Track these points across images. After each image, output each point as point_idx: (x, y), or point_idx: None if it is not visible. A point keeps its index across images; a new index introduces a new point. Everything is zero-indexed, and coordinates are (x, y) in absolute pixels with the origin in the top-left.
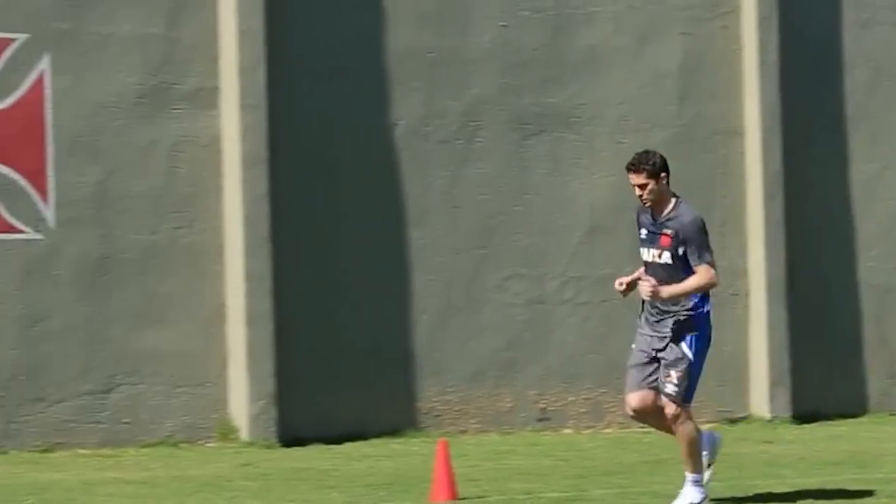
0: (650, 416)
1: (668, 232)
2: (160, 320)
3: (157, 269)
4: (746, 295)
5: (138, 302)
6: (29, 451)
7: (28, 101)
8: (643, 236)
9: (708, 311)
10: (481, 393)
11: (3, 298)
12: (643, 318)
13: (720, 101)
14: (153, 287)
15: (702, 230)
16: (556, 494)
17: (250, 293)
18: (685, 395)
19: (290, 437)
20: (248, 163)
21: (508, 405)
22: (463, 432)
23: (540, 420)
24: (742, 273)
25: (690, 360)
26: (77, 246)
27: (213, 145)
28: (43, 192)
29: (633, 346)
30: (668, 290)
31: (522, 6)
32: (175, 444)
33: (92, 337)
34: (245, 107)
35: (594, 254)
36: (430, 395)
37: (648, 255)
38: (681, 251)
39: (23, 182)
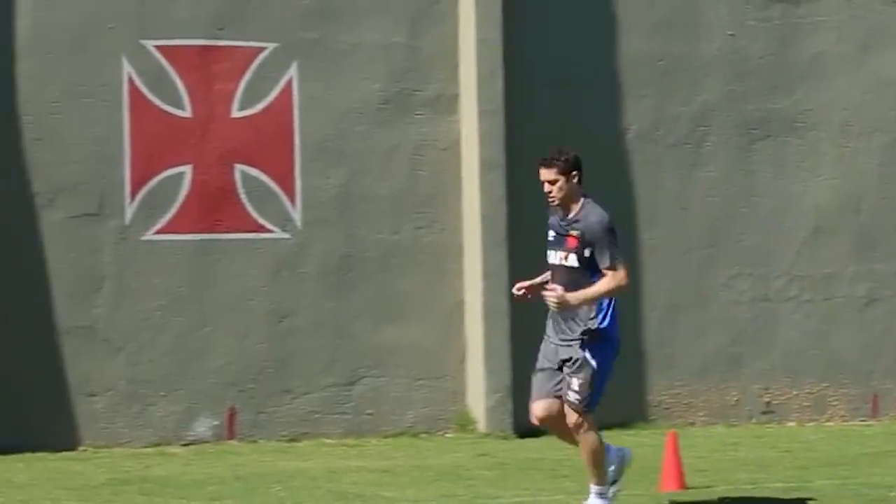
0: (556, 425)
1: (575, 233)
2: (401, 316)
3: (399, 268)
4: None
5: (381, 299)
6: (277, 441)
7: (277, 107)
8: (550, 238)
9: (615, 317)
10: (708, 387)
11: (253, 295)
12: (550, 325)
13: None
14: (395, 284)
15: (609, 230)
16: (779, 485)
17: (488, 290)
18: (588, 404)
19: (525, 429)
20: (486, 166)
21: (734, 399)
22: (691, 424)
23: (764, 413)
24: None
25: (594, 367)
26: (322, 245)
27: (453, 149)
28: (291, 193)
29: (540, 353)
30: (575, 297)
31: (750, 16)
32: (415, 435)
33: (337, 332)
34: (483, 113)
35: (817, 253)
36: (659, 389)
37: (555, 257)
38: (587, 253)
39: (272, 184)
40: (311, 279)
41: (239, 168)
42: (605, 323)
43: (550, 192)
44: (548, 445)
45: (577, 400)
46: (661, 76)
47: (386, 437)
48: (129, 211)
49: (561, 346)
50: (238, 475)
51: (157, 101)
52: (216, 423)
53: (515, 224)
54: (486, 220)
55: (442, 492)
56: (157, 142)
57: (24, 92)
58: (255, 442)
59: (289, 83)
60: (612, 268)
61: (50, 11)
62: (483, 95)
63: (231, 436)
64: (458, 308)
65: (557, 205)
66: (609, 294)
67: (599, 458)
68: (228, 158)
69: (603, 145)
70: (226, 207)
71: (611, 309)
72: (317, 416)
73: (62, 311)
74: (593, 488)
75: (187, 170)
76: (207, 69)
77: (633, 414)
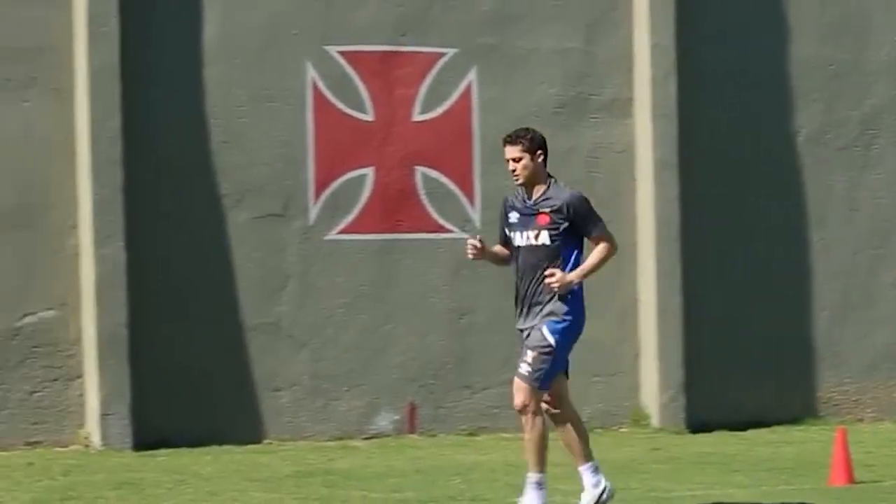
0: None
1: (546, 210)
2: None
3: None
4: None
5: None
6: (456, 435)
7: (456, 110)
8: (514, 220)
9: (579, 297)
10: (876, 384)
11: (433, 293)
12: (518, 315)
13: None
14: None
15: (587, 200)
16: None
17: (661, 289)
18: (538, 379)
19: (698, 424)
20: (659, 168)
21: None
22: (859, 421)
23: None
24: None
25: (551, 343)
26: None
27: (628, 152)
28: (470, 194)
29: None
30: (575, 274)
31: None
32: (591, 430)
33: (514, 329)
34: (657, 116)
35: None
36: (828, 386)
37: (522, 238)
38: (562, 229)
39: (451, 186)
40: (489, 278)
41: (420, 170)
42: (570, 310)
43: (515, 171)
44: (720, 440)
45: (528, 372)
46: (831, 80)
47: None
48: (314, 211)
49: (529, 329)
50: (418, 468)
51: (341, 105)
52: (397, 417)
53: (688, 224)
54: (660, 220)
55: (617, 485)
56: (341, 145)
57: (212, 96)
58: (434, 436)
59: (468, 87)
60: (602, 236)
61: (237, 18)
62: (657, 99)
63: (411, 430)
64: (632, 306)
65: (521, 183)
66: (605, 262)
67: (542, 443)
68: (409, 161)
69: (774, 148)
70: (407, 208)
71: (578, 295)
72: (495, 410)
73: (248, 308)
74: (531, 476)
75: (369, 172)
76: (389, 74)
77: (802, 410)
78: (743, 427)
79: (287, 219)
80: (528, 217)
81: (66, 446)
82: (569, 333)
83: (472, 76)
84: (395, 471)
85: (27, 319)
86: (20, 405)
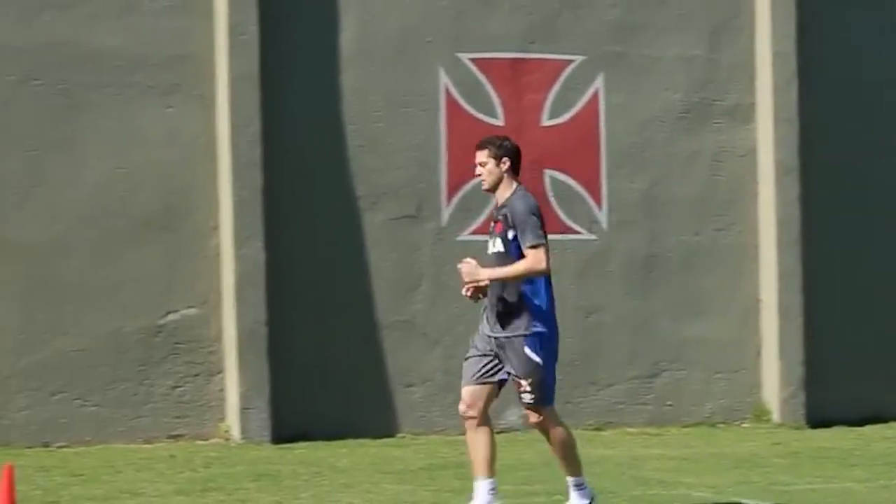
0: (477, 408)
1: (500, 218)
2: (701, 313)
3: (699, 267)
4: None
5: (681, 296)
6: (583, 429)
7: (584, 116)
8: (490, 229)
9: (545, 308)
10: None
11: (561, 292)
12: (484, 318)
13: None
14: (695, 283)
15: (532, 213)
16: None
17: (782, 289)
18: (542, 399)
19: (817, 420)
20: (780, 171)
21: None
22: None
23: None
24: None
25: (538, 362)
26: (626, 246)
27: (750, 156)
28: (597, 197)
29: (471, 341)
30: (488, 272)
31: None
32: (713, 425)
33: (639, 327)
34: (779, 121)
35: None
36: None
37: (489, 245)
38: (510, 236)
39: (579, 188)
40: (615, 278)
41: (548, 173)
42: (541, 321)
43: (480, 175)
44: (838, 436)
45: (532, 399)
46: None
47: (685, 426)
48: (446, 213)
49: (494, 336)
50: (546, 461)
51: (472, 110)
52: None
53: (809, 226)
54: (781, 222)
55: (738, 479)
56: (472, 148)
57: (348, 101)
58: None
59: (595, 94)
60: (530, 249)
61: (372, 26)
62: (778, 104)
63: None
64: (754, 305)
65: (486, 189)
66: (524, 274)
67: (571, 449)
68: (538, 164)
69: (893, 151)
70: None
71: (548, 306)
72: (620, 406)
73: (383, 307)
74: (570, 480)
75: None
76: (519, 80)
77: None
78: (860, 423)
79: (420, 220)
80: (492, 224)
81: (207, 439)
82: (549, 344)
83: (598, 83)
84: (524, 464)
85: (170, 317)
86: (163, 400)
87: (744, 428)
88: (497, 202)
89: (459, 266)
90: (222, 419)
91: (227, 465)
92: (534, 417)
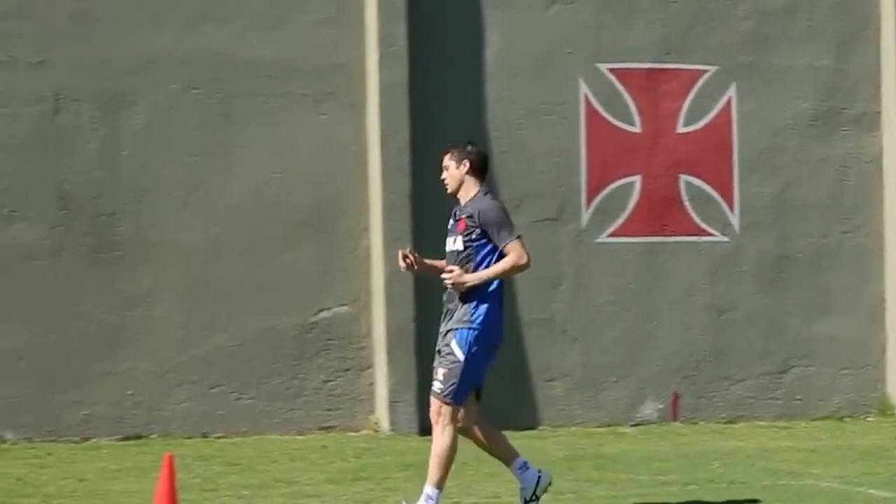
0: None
1: (464, 216)
2: (829, 312)
3: (827, 268)
4: None
5: (810, 296)
6: (715, 423)
7: (717, 123)
8: (448, 227)
9: (491, 308)
10: None
11: (695, 291)
12: (443, 315)
13: None
14: (823, 283)
15: (501, 210)
16: None
17: None
18: (452, 395)
19: None
20: None
21: None
22: None
23: None
24: None
25: (459, 359)
26: (758, 247)
27: (875, 162)
28: (730, 201)
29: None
30: (472, 276)
31: None
32: (840, 419)
33: (770, 325)
34: None
35: None
36: None
37: (449, 243)
38: (475, 235)
39: (712, 193)
40: (747, 278)
41: (683, 178)
42: (480, 319)
43: (444, 178)
44: None
45: (440, 389)
46: None
47: (813, 420)
48: (585, 216)
49: (443, 333)
50: (681, 453)
51: (610, 118)
52: (661, 406)
53: None
54: None
55: (863, 470)
56: (610, 154)
57: (492, 110)
58: (695, 423)
59: (728, 102)
60: (509, 246)
61: (515, 39)
62: None
63: (674, 418)
64: (879, 304)
65: (450, 192)
66: (507, 273)
67: (445, 460)
68: (674, 169)
69: None
70: (671, 213)
71: (491, 305)
72: (751, 400)
73: (526, 304)
74: (427, 488)
75: (637, 179)
76: (655, 89)
77: None
78: None
79: (561, 222)
80: (454, 223)
81: (357, 431)
82: (480, 343)
83: (731, 91)
84: (659, 455)
85: (323, 314)
86: (315, 393)
87: (869, 421)
88: (460, 203)
89: (443, 275)
90: (372, 412)
91: (377, 456)
92: (434, 406)
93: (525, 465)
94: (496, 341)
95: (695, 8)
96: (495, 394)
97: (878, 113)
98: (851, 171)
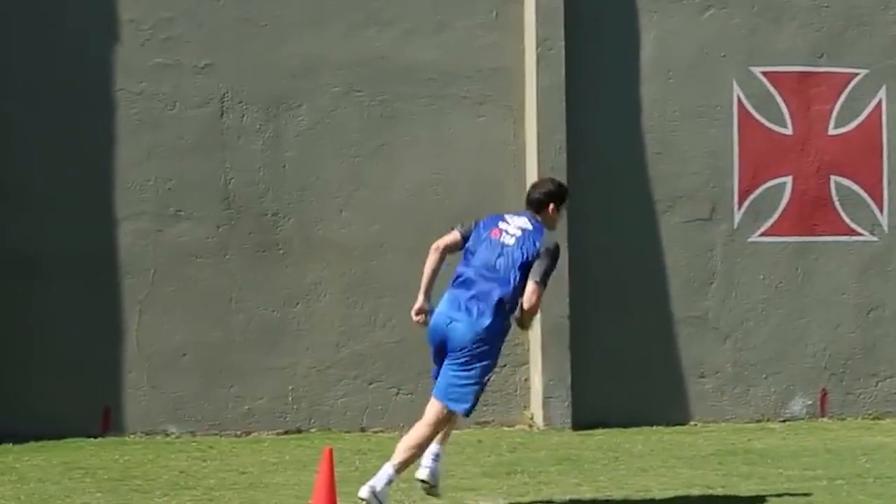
0: None
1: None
2: None
3: None
4: None
5: None
6: (862, 419)
7: (867, 125)
8: (508, 229)
9: (444, 296)
10: None
11: (844, 290)
12: None
13: None
14: None
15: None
16: None
17: None
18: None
19: None
20: None
21: None
22: None
23: None
24: None
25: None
26: None
27: None
28: (879, 201)
29: None
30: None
31: None
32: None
33: None
34: None
35: None
36: None
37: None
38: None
39: (862, 193)
40: (895, 277)
41: (834, 179)
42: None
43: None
44: None
45: None
46: None
47: None
48: (738, 216)
49: None
50: (828, 448)
51: (763, 120)
52: (810, 402)
53: None
54: None
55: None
56: (762, 156)
57: (647, 112)
58: (843, 419)
59: (878, 104)
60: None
61: (670, 42)
62: None
63: (822, 414)
64: None
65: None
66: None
67: (414, 450)
68: (825, 171)
69: None
70: (822, 213)
71: (444, 299)
72: None
73: (678, 302)
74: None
75: (788, 180)
76: (807, 92)
77: None
78: None
79: (714, 222)
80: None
81: (512, 426)
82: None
83: (881, 94)
84: (807, 451)
85: None
86: None
87: None
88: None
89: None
90: (526, 407)
91: (531, 450)
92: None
93: (438, 458)
94: (431, 333)
95: (846, 12)
96: (647, 389)
97: None
98: None
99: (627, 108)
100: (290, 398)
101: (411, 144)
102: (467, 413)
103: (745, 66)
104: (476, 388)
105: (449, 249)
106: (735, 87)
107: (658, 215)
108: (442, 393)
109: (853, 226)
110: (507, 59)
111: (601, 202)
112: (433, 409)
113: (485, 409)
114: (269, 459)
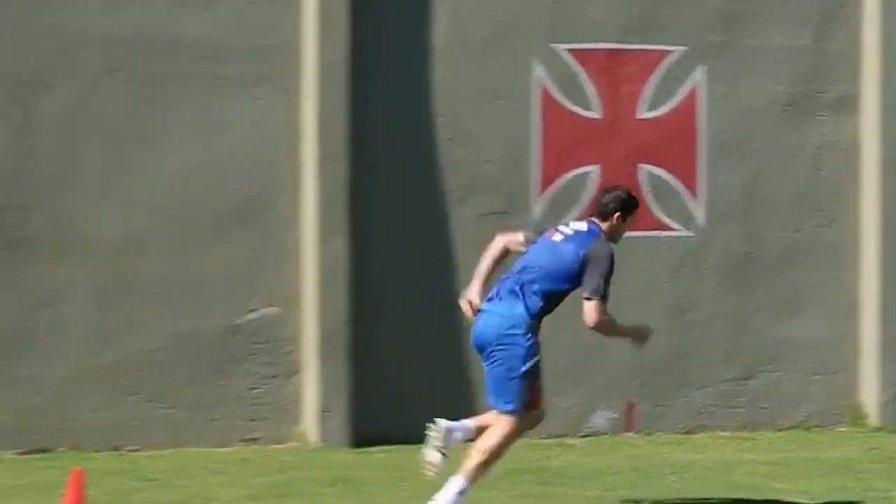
0: None
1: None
2: (799, 312)
3: (799, 265)
4: None
5: (779, 295)
6: (673, 433)
7: (682, 108)
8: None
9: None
10: None
11: (655, 290)
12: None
13: None
14: (794, 281)
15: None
16: None
17: (884, 288)
18: None
19: None
20: (886, 165)
21: None
22: None
23: None
24: None
25: None
26: (724, 242)
27: (853, 149)
28: (694, 192)
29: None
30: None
31: None
32: (808, 429)
33: (735, 327)
34: (886, 112)
35: None
36: None
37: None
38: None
39: (675, 183)
40: (712, 275)
41: (644, 167)
42: None
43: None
44: None
45: None
46: None
47: (779, 430)
48: (538, 208)
49: None
50: (634, 466)
51: (567, 103)
52: (614, 415)
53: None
54: (886, 218)
55: (833, 484)
56: (566, 142)
57: (438, 94)
58: (651, 434)
59: (695, 85)
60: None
61: (465, 16)
62: (885, 95)
63: (628, 428)
64: (853, 304)
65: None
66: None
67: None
68: (634, 158)
69: None
70: None
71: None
72: (713, 409)
73: None
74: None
75: (595, 169)
76: (616, 71)
77: None
78: None
79: (511, 216)
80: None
81: (282, 443)
82: None
83: (699, 74)
84: (610, 469)
85: (250, 316)
86: (238, 402)
87: (840, 432)
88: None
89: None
90: (298, 422)
91: (304, 470)
92: None
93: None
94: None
95: None
96: (436, 402)
97: (857, 96)
98: (827, 159)
99: (417, 89)
100: (35, 413)
101: (178, 129)
102: (515, 411)
103: (548, 42)
104: (516, 382)
105: (509, 247)
106: (536, 66)
107: (449, 207)
108: (489, 397)
109: (666, 220)
110: (285, 35)
111: (387, 193)
112: (490, 417)
113: (252, 423)
114: (10, 482)
